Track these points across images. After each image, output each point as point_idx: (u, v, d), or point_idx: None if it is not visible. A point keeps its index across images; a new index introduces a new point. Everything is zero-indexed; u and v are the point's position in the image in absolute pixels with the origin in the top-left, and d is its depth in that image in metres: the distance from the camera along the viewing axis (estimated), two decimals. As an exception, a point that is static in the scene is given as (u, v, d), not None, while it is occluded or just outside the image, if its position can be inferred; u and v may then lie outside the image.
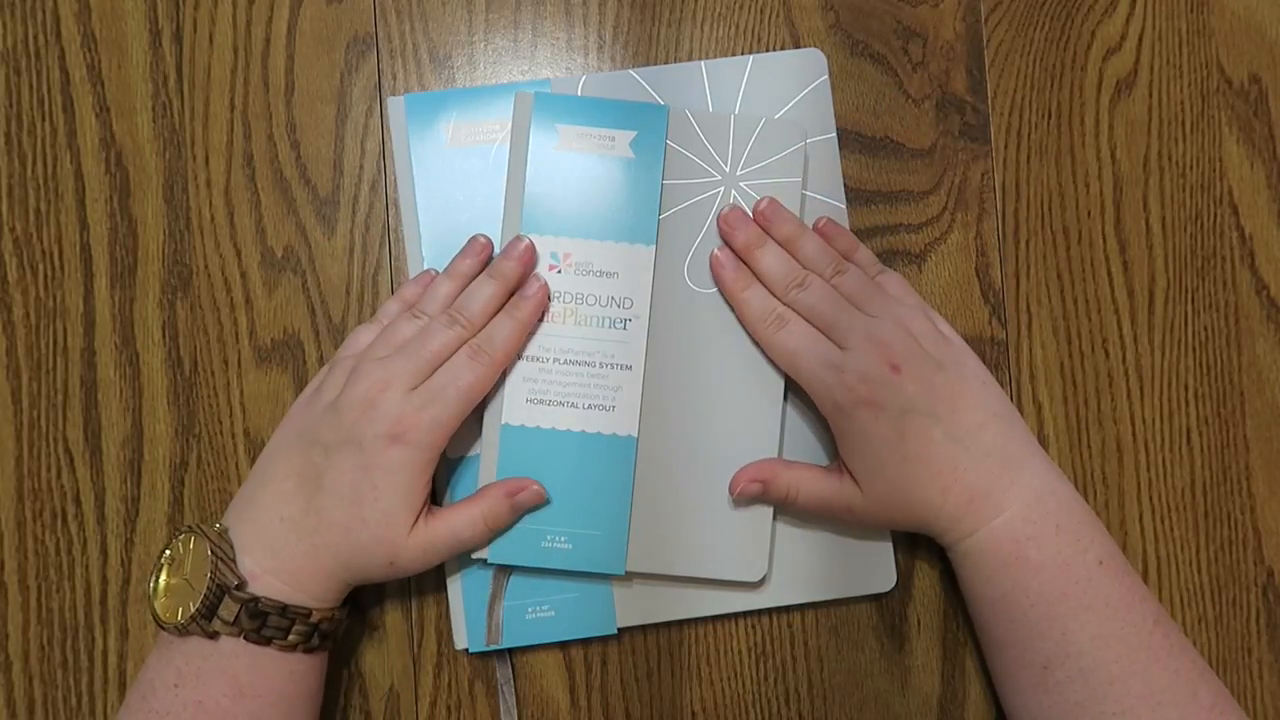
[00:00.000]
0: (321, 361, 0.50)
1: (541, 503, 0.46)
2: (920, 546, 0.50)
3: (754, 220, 0.48)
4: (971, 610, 0.45)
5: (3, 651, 0.49)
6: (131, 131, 0.50)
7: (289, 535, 0.42)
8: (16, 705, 0.48)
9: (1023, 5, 0.52)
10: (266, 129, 0.50)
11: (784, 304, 0.46)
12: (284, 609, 0.41)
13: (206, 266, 0.50)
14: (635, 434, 0.47)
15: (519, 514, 0.45)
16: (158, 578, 0.42)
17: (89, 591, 0.49)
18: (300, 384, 0.50)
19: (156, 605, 0.41)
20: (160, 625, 0.41)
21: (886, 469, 0.43)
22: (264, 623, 0.41)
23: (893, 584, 0.49)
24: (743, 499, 0.46)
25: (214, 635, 0.41)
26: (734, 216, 0.47)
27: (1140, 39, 0.52)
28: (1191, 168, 0.52)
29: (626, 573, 0.47)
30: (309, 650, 0.42)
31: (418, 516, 0.43)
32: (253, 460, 0.49)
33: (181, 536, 0.43)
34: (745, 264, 0.47)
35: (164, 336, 0.50)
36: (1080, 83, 0.52)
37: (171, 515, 0.49)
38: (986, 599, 0.43)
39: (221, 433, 0.49)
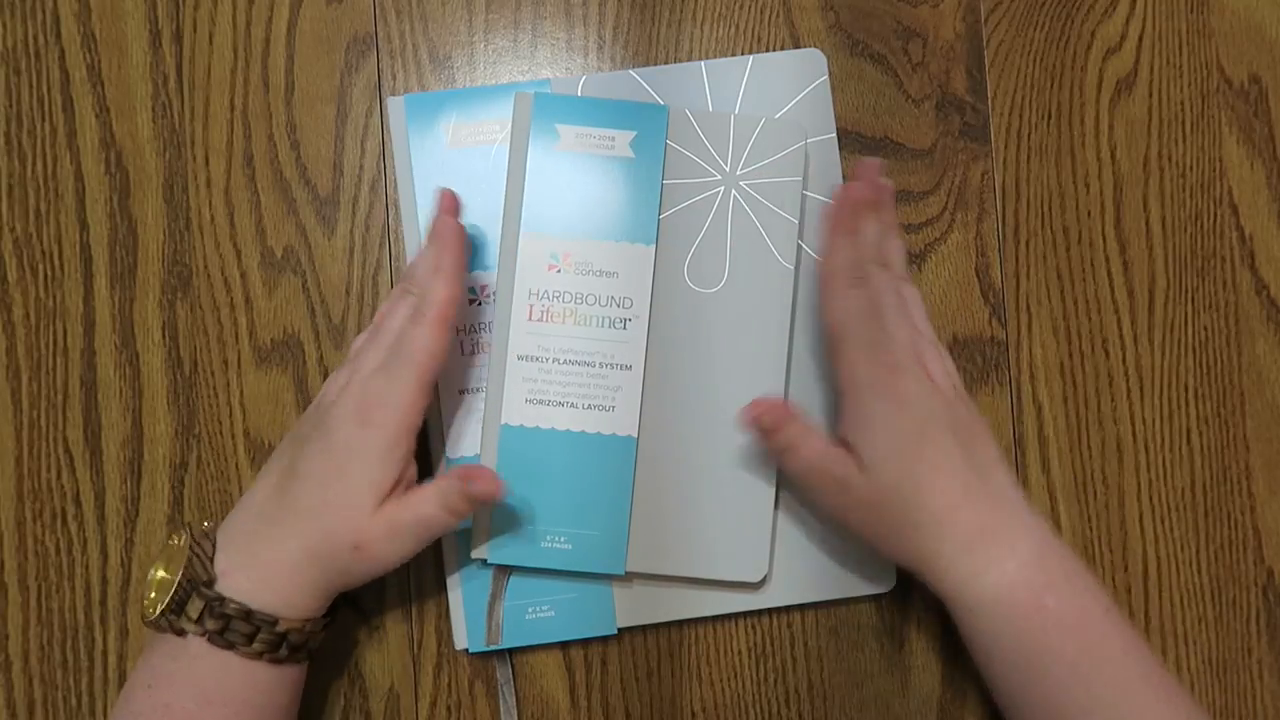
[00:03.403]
0: (321, 361, 0.50)
1: (497, 499, 0.43)
2: (920, 546, 0.50)
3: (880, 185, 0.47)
4: (985, 668, 0.43)
5: (3, 651, 0.49)
6: (131, 131, 0.50)
7: (261, 527, 0.42)
8: (16, 705, 0.48)
9: (1023, 5, 0.52)
10: (266, 129, 0.50)
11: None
12: (248, 614, 0.40)
13: (206, 266, 0.50)
14: (635, 434, 0.47)
15: (476, 504, 0.43)
16: (155, 573, 0.42)
17: (89, 591, 0.49)
18: (300, 384, 0.50)
19: (145, 600, 0.41)
20: (143, 620, 0.41)
21: (899, 459, 0.41)
22: (227, 625, 0.40)
23: (893, 584, 0.49)
24: (746, 430, 0.45)
25: (182, 633, 0.40)
26: (874, 169, 0.47)
27: (1140, 39, 0.52)
28: (1191, 168, 0.52)
29: (626, 573, 0.47)
30: (276, 661, 0.41)
31: (385, 498, 0.42)
32: (253, 460, 0.49)
33: (178, 532, 0.42)
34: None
35: (164, 336, 0.50)
36: (1080, 83, 0.52)
37: (171, 515, 0.49)
38: (1006, 657, 0.41)
39: (221, 433, 0.49)
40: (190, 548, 0.41)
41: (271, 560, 0.41)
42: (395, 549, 0.42)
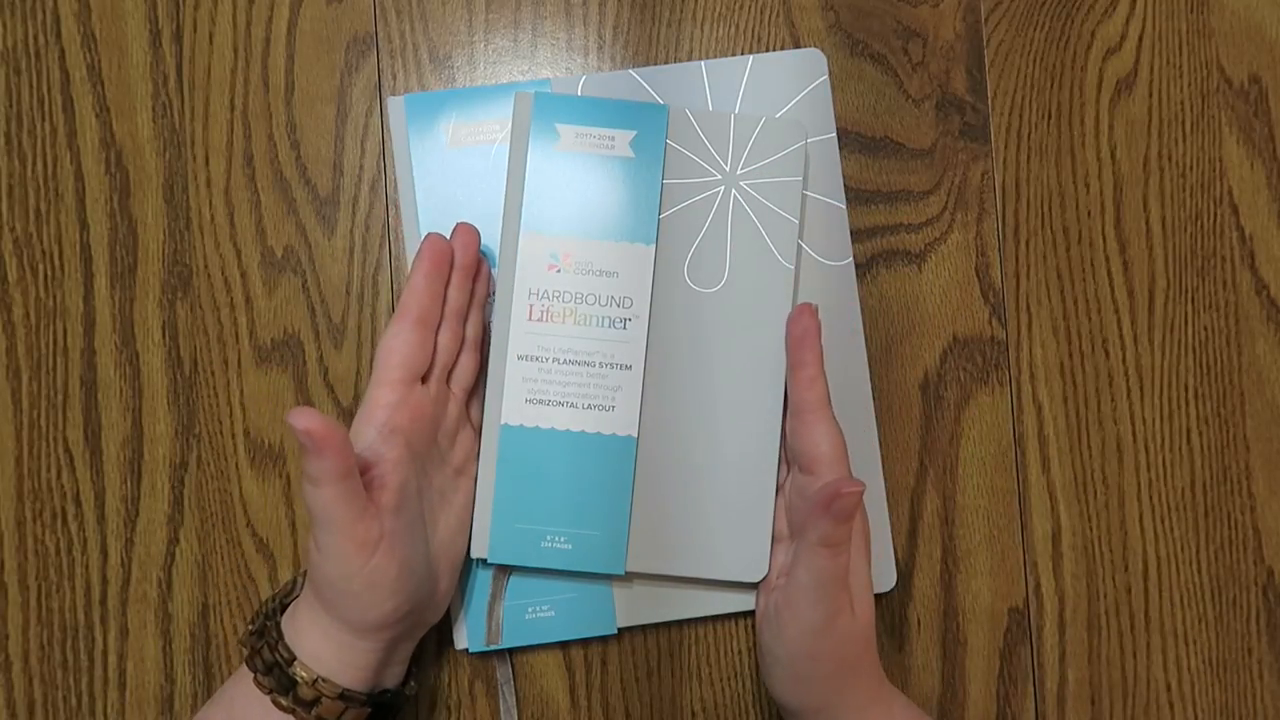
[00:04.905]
0: (321, 361, 0.50)
1: (314, 433, 0.37)
2: (920, 547, 0.50)
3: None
4: None
5: (3, 651, 0.49)
6: (131, 131, 0.50)
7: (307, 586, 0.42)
8: (16, 705, 0.48)
9: (1023, 5, 0.52)
10: (266, 129, 0.50)
11: None
12: (273, 643, 0.41)
13: (206, 266, 0.50)
14: (635, 434, 0.47)
15: (311, 450, 0.37)
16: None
17: (89, 591, 0.49)
18: (300, 384, 0.50)
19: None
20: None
21: (870, 601, 0.43)
22: (257, 640, 0.41)
23: (893, 584, 0.49)
24: (822, 507, 0.42)
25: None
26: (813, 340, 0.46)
27: (1140, 39, 0.52)
28: (1191, 168, 0.52)
29: (626, 573, 0.47)
30: (270, 695, 0.40)
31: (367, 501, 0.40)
32: (253, 460, 0.49)
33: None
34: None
35: (164, 336, 0.50)
36: (1080, 83, 0.52)
37: (171, 515, 0.49)
38: None
39: (221, 433, 0.49)
40: (292, 580, 0.44)
41: (304, 617, 0.42)
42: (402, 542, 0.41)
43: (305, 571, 0.44)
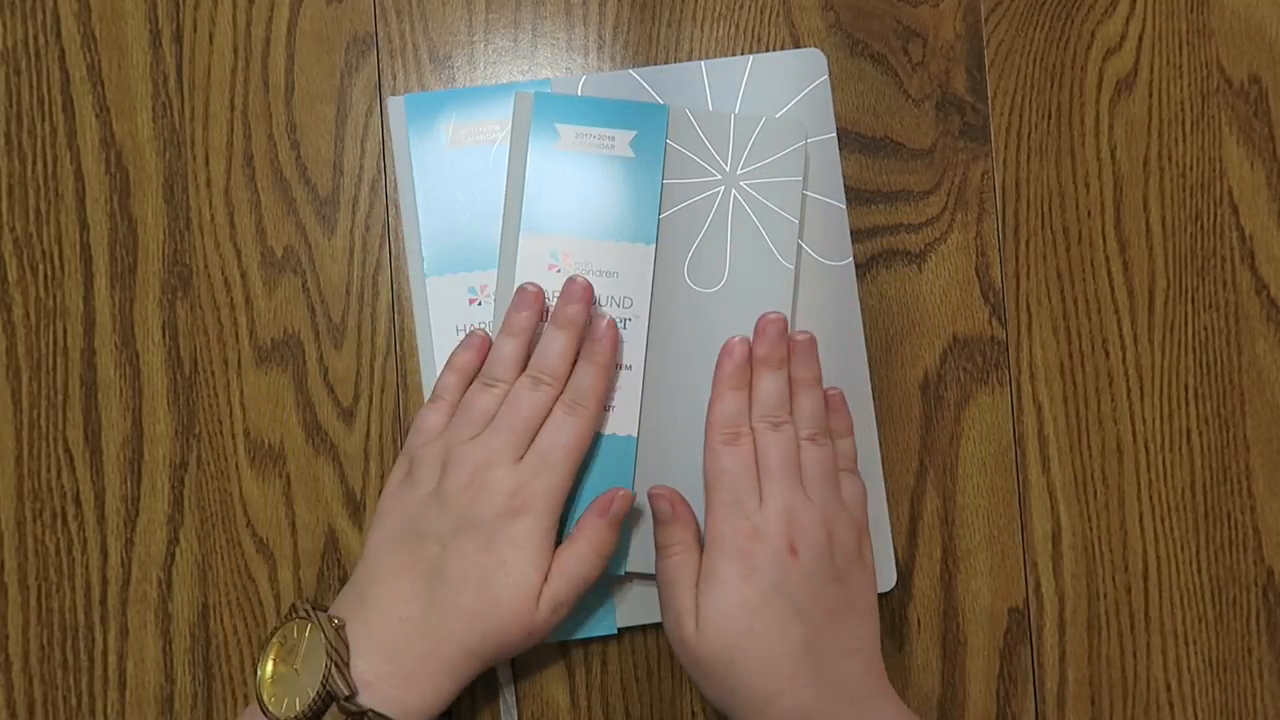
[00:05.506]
0: (321, 360, 0.50)
1: (630, 505, 0.44)
2: (920, 547, 0.50)
3: (785, 343, 0.46)
4: None
5: (3, 651, 0.49)
6: (131, 131, 0.50)
7: (410, 636, 0.41)
8: (16, 705, 0.48)
9: (1023, 5, 0.52)
10: (266, 129, 0.50)
11: (750, 427, 0.45)
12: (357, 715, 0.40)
13: (206, 266, 0.50)
14: (635, 434, 0.47)
15: (619, 527, 0.44)
16: (266, 663, 0.41)
17: (89, 591, 0.49)
18: (300, 384, 0.50)
19: (263, 692, 0.40)
20: (263, 711, 0.40)
21: (730, 626, 0.41)
22: None
23: (893, 584, 0.49)
24: (653, 503, 0.45)
25: None
26: (774, 329, 0.46)
27: (1140, 39, 0.52)
28: (1191, 168, 0.52)
29: (626, 573, 0.47)
30: None
31: (545, 580, 0.42)
32: (253, 460, 0.49)
33: (297, 621, 0.41)
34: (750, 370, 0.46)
35: (164, 336, 0.50)
36: (1080, 83, 0.52)
37: (171, 515, 0.49)
38: None
39: (221, 433, 0.49)
40: (328, 653, 0.40)
41: (419, 667, 0.41)
42: (560, 619, 0.43)
43: (339, 627, 0.41)
